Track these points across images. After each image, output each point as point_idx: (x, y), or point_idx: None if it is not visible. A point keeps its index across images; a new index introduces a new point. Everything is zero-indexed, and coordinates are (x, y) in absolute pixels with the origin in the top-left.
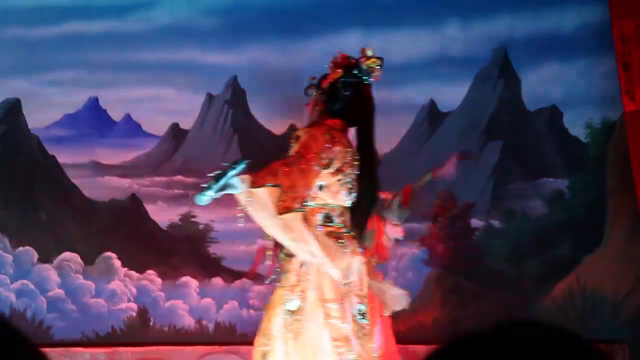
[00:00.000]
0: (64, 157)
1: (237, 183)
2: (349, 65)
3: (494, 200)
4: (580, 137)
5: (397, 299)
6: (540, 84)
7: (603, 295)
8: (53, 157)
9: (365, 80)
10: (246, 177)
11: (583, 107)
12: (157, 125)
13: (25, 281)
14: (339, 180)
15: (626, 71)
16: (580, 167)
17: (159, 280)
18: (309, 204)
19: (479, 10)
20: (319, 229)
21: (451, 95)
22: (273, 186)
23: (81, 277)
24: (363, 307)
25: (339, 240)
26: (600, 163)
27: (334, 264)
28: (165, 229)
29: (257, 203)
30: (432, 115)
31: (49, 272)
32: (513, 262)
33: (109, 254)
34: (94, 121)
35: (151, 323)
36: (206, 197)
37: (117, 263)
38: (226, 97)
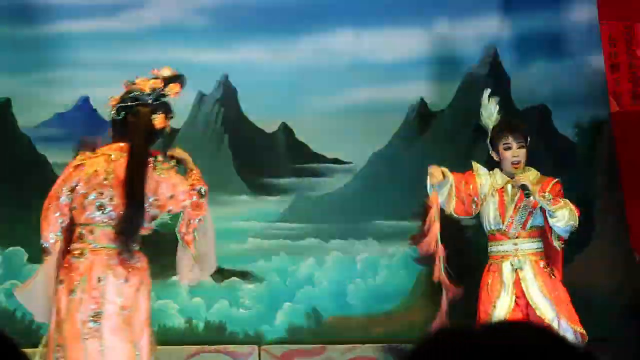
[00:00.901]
0: (54, 156)
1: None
2: (127, 90)
3: None
4: (569, 136)
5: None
6: (529, 83)
7: (592, 294)
8: (43, 156)
9: (151, 101)
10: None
11: (572, 107)
12: None
13: (15, 281)
14: (81, 202)
15: (613, 73)
16: (569, 167)
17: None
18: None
19: (469, 9)
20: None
21: (441, 94)
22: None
23: None
24: (100, 311)
25: (81, 256)
26: (589, 162)
27: None
28: (155, 228)
29: None
30: (422, 114)
31: None
32: None
33: None
34: (84, 121)
35: None
36: None
37: None
38: (217, 95)
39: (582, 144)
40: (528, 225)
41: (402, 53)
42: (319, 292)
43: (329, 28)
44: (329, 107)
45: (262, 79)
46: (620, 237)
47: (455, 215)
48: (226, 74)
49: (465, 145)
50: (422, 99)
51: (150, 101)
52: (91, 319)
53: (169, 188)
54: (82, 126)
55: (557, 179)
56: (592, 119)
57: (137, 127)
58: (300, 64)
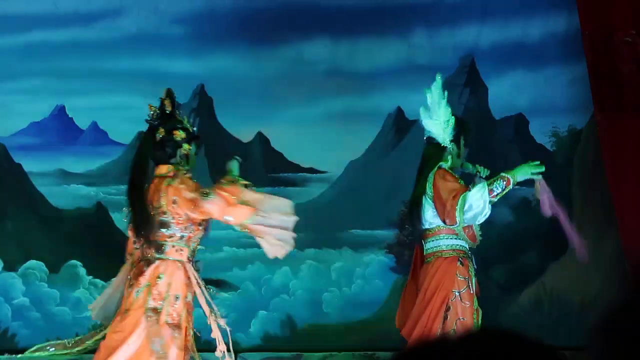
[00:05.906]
0: (30, 165)
1: None
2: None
3: None
4: (546, 145)
5: None
6: (506, 92)
7: (569, 302)
8: (19, 165)
9: None
10: None
11: (549, 116)
12: (123, 133)
13: None
14: None
15: (596, 79)
16: (546, 176)
17: None
18: None
19: (446, 19)
20: None
21: (418, 103)
22: None
23: (46, 285)
24: None
25: None
26: (566, 171)
27: None
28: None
29: None
30: (399, 123)
31: (14, 280)
32: (480, 269)
33: (74, 262)
34: (60, 129)
35: None
36: None
37: (82, 271)
38: (193, 105)
39: (559, 153)
40: None
41: (379, 62)
42: (294, 300)
43: (305, 37)
44: (305, 116)
45: (237, 88)
46: (596, 247)
47: None
48: (202, 83)
49: None
50: (399, 108)
51: None
52: None
53: None
54: (57, 135)
55: None
56: (569, 128)
57: None
58: (276, 73)
